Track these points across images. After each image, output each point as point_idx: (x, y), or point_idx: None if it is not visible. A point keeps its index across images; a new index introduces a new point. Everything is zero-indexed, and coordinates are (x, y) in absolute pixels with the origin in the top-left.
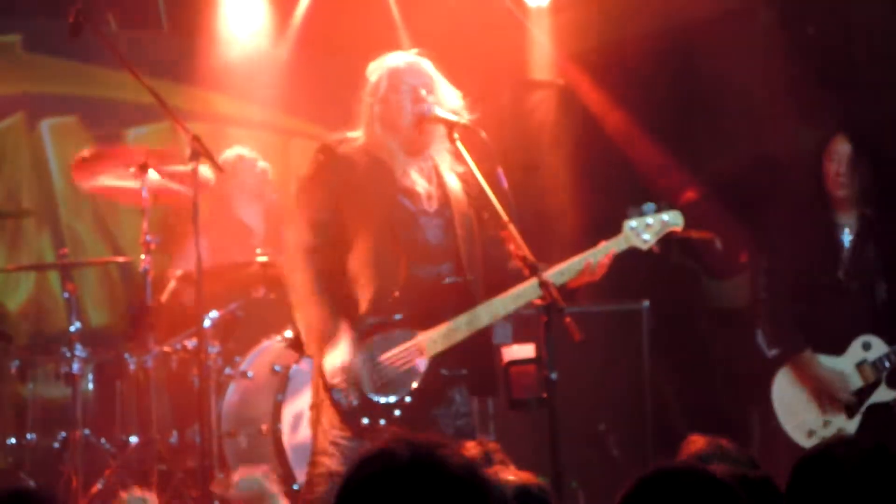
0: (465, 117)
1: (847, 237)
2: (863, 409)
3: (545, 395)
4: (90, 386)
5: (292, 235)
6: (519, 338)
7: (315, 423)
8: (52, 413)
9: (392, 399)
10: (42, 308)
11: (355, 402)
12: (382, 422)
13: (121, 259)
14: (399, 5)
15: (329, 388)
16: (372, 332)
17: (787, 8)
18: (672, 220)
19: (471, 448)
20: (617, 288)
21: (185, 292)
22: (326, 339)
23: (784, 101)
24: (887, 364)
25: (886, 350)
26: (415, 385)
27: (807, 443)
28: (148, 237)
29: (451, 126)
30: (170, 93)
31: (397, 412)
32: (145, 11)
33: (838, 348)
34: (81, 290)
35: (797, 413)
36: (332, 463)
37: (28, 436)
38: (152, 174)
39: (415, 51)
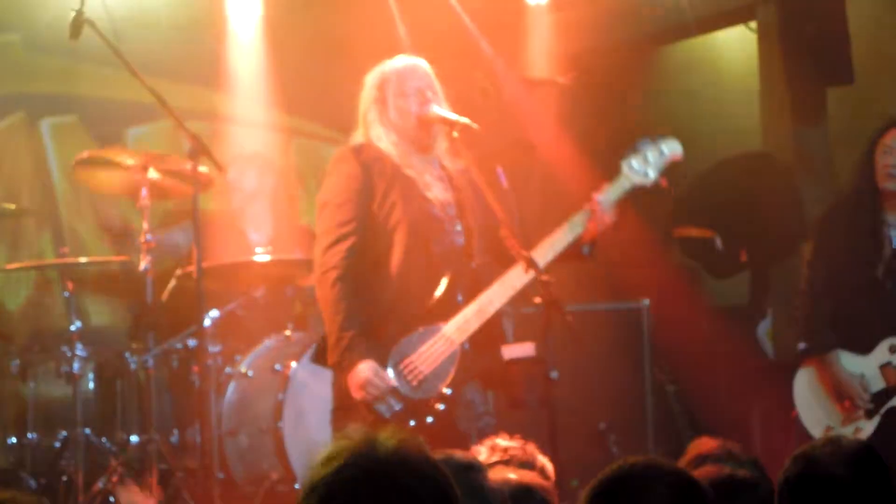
0: (463, 117)
1: (893, 235)
2: (883, 410)
3: (545, 393)
4: (91, 385)
5: (321, 249)
6: (519, 336)
7: (341, 426)
8: (52, 412)
9: (433, 394)
10: (42, 307)
11: (398, 407)
12: (430, 419)
13: (121, 258)
14: (399, 4)
15: (371, 403)
16: (398, 336)
17: (786, 7)
18: (671, 148)
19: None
20: (617, 286)
21: (186, 292)
22: (353, 351)
23: (784, 99)
24: None
25: None
26: (452, 374)
27: None
28: (148, 236)
29: (451, 125)
30: (170, 92)
31: (441, 406)
32: (145, 11)
33: (866, 347)
34: (82, 289)
35: (817, 409)
36: None
37: (29, 435)
38: (152, 173)
39: (410, 55)
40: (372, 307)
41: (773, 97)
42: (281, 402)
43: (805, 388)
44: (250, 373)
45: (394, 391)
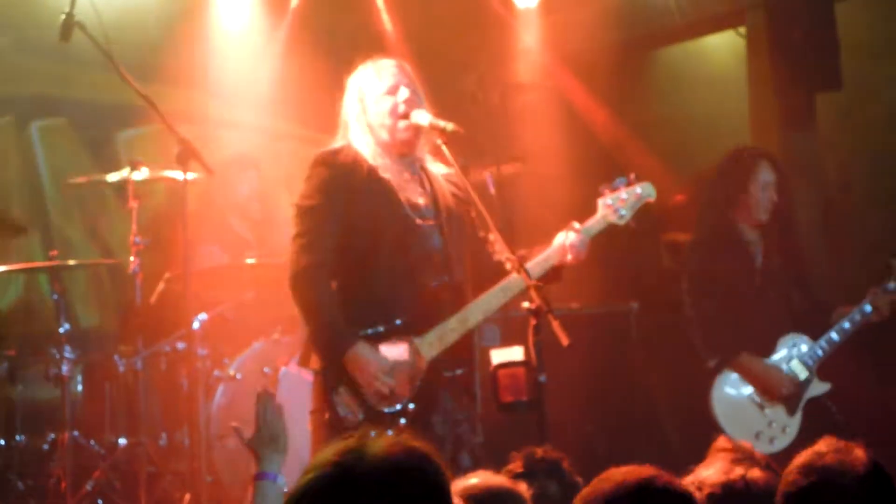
0: (449, 123)
1: (758, 249)
2: (802, 404)
3: (533, 397)
4: (79, 387)
5: (296, 251)
6: (507, 341)
7: (316, 428)
8: (41, 414)
9: (397, 407)
10: (31, 309)
11: (361, 417)
12: (389, 432)
13: (110, 261)
14: (389, 9)
15: (334, 406)
16: (375, 342)
17: (774, 12)
18: (645, 192)
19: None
20: (606, 290)
21: (175, 294)
22: (339, 349)
23: (772, 104)
24: (816, 358)
25: (812, 345)
26: (416, 391)
27: (756, 445)
28: (137, 239)
29: (437, 130)
30: (160, 96)
31: (402, 420)
32: (135, 14)
33: (767, 351)
34: (71, 291)
35: (740, 417)
36: None
37: (17, 437)
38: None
39: (393, 60)
40: (346, 312)
41: (762, 102)
42: None
43: (724, 400)
44: (239, 375)
45: (361, 399)
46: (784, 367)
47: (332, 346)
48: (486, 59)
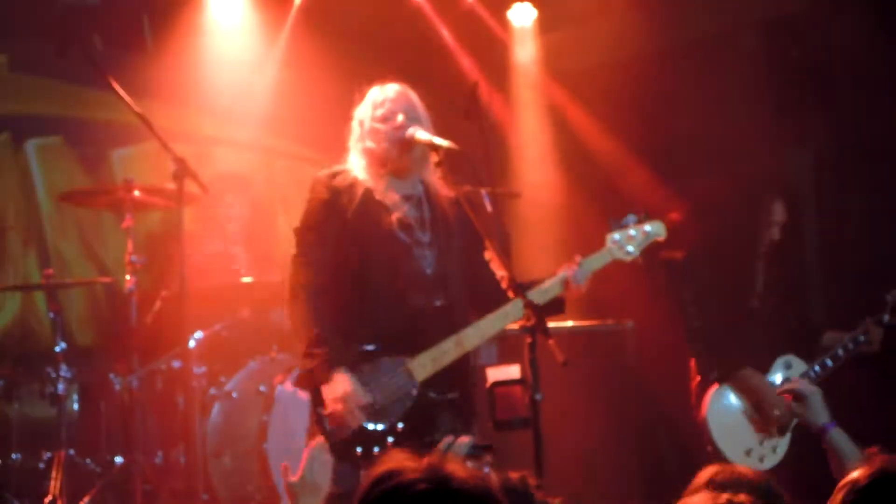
0: (447, 141)
1: (759, 269)
2: (792, 424)
3: (529, 415)
4: (75, 406)
5: (294, 270)
6: (504, 359)
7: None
8: (37, 433)
9: (385, 426)
10: (27, 328)
11: (348, 434)
12: (377, 449)
13: (106, 279)
14: (383, 27)
15: (320, 420)
16: (362, 362)
17: (771, 30)
18: (655, 230)
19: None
20: (601, 308)
21: (171, 313)
22: (325, 371)
23: (767, 122)
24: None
25: (805, 368)
26: (406, 411)
27: (745, 461)
28: (133, 257)
29: (433, 149)
30: (155, 114)
31: (391, 439)
32: (130, 32)
33: (761, 371)
34: (67, 310)
35: (733, 433)
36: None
37: (13, 456)
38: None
39: (397, 85)
40: (339, 332)
41: (757, 121)
42: (265, 423)
43: (718, 416)
44: (235, 394)
45: (352, 415)
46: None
47: (316, 367)
48: (480, 76)
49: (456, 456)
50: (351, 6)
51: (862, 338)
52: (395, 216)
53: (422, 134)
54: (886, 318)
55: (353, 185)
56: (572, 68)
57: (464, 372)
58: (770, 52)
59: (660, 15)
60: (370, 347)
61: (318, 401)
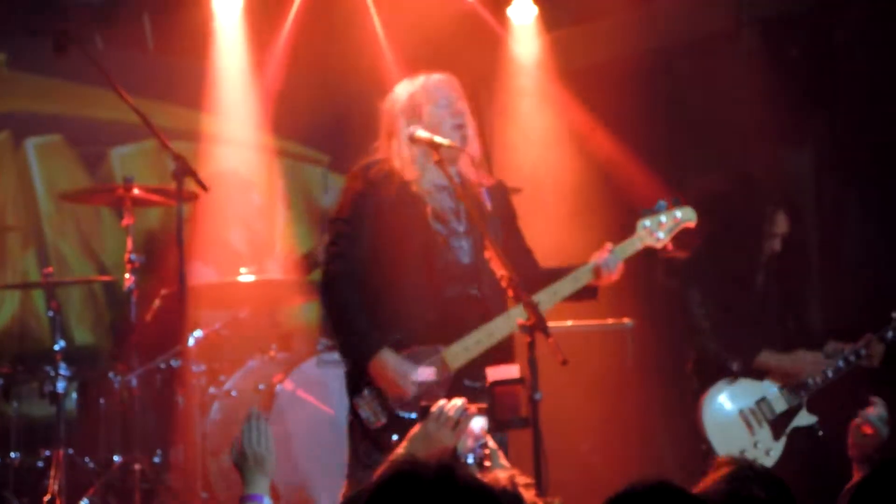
0: (446, 139)
1: (760, 273)
2: (787, 430)
3: (529, 415)
4: (74, 404)
5: (328, 260)
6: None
7: (351, 432)
8: (36, 432)
9: (419, 414)
10: (26, 327)
11: (384, 420)
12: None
13: (105, 278)
14: (384, 25)
15: (356, 409)
16: (399, 350)
17: (771, 30)
18: (685, 216)
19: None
20: (601, 307)
21: (170, 311)
22: (367, 353)
23: (768, 122)
24: (807, 390)
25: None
26: (438, 399)
27: None
28: (132, 256)
29: (434, 147)
30: (155, 112)
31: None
32: (131, 31)
33: (760, 374)
34: (66, 308)
35: (728, 434)
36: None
37: (12, 454)
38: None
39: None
40: (374, 319)
41: (757, 120)
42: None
43: (714, 417)
44: (234, 392)
45: (386, 403)
46: (770, 394)
47: (357, 351)
48: (481, 75)
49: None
50: (350, 5)
51: (863, 351)
52: (430, 207)
53: (425, 133)
54: (890, 334)
55: (388, 175)
56: (573, 66)
57: (503, 359)
58: (770, 51)
59: (660, 13)
60: (404, 337)
61: (352, 389)
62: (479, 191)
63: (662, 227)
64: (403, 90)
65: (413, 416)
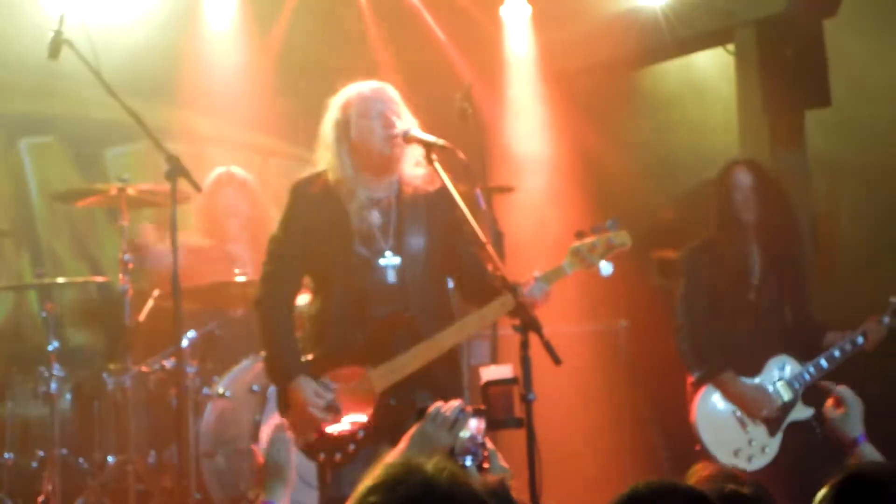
0: (440, 139)
1: (755, 262)
2: (783, 426)
3: (522, 415)
4: (68, 405)
5: (261, 279)
6: (497, 358)
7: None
8: (29, 432)
9: (346, 432)
10: (20, 327)
11: (311, 438)
12: (338, 455)
13: (99, 279)
14: (376, 26)
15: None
16: (324, 371)
17: (765, 30)
18: (618, 240)
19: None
20: (595, 307)
21: (164, 312)
22: (286, 377)
23: (761, 122)
24: (802, 382)
25: (800, 369)
26: (365, 419)
27: (733, 461)
28: (126, 256)
29: (428, 147)
30: (149, 113)
31: (352, 446)
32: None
33: (754, 370)
34: (60, 309)
35: (722, 433)
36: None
37: (6, 455)
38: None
39: (378, 83)
40: (302, 341)
41: (751, 120)
42: (258, 422)
43: (707, 416)
44: (228, 393)
45: (312, 422)
46: (770, 387)
47: (279, 373)
48: (474, 75)
49: (443, 419)
50: (344, 6)
51: (860, 339)
52: (356, 228)
53: (416, 131)
54: (887, 319)
55: (323, 193)
56: (565, 67)
57: (443, 376)
58: (764, 52)
59: (652, 13)
60: (332, 356)
61: (280, 408)
62: (424, 197)
63: (595, 251)
64: (336, 102)
65: (340, 433)
